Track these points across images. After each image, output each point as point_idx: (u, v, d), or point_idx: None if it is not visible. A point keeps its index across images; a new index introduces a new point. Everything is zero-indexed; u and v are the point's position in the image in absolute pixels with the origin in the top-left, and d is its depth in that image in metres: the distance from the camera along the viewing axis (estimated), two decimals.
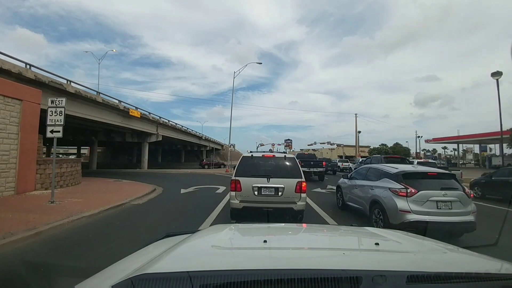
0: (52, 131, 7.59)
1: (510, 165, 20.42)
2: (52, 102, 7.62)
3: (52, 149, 8.47)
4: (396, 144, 67.84)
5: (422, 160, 23.08)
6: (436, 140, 51.01)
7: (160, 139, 32.67)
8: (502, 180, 10.45)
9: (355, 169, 11.90)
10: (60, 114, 7.57)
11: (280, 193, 5.76)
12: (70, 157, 39.15)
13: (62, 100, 7.63)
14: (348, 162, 33.31)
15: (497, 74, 18.01)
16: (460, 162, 50.15)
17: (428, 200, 5.02)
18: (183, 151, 58.57)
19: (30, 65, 13.86)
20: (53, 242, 4.86)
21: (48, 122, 7.58)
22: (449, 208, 4.99)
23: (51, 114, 7.57)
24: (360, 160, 27.96)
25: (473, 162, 58.22)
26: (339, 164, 31.56)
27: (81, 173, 13.99)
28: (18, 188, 9.37)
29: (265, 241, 1.47)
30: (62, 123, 7.60)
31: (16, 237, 4.67)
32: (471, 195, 5.56)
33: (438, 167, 14.16)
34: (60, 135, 7.64)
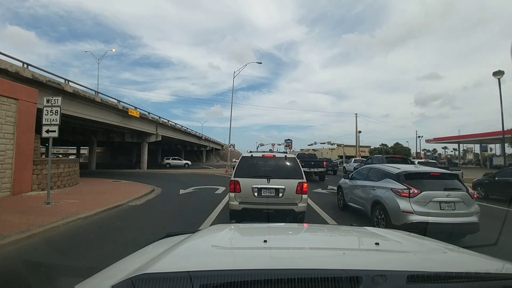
0: (47, 131, 7.47)
1: None
2: (47, 101, 7.49)
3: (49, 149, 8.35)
4: (397, 144, 67.79)
5: (422, 160, 23.03)
6: (437, 140, 50.84)
7: (160, 139, 32.55)
8: (506, 181, 10.33)
9: (354, 169, 11.80)
10: (56, 114, 7.44)
11: (280, 194, 5.63)
12: (69, 157, 39.04)
13: (58, 99, 7.51)
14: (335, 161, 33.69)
15: (498, 73, 17.87)
16: (461, 162, 50.01)
17: (431, 201, 4.94)
18: (183, 151, 58.43)
19: (28, 64, 13.72)
20: (46, 245, 4.74)
21: (44, 122, 7.45)
22: (452, 209, 4.91)
23: (46, 114, 7.45)
24: (354, 159, 28.35)
25: (473, 162, 58.04)
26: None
27: (79, 174, 13.88)
28: (14, 189, 9.25)
29: (265, 241, 1.46)
30: (58, 122, 7.48)
31: (9, 239, 4.56)
32: (475, 196, 5.45)
33: (439, 167, 14.07)
34: (55, 134, 7.52)
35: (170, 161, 39.68)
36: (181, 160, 41.68)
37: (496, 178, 10.87)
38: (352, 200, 7.27)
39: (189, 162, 41.74)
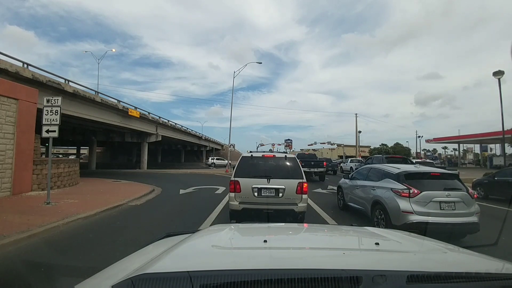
0: (47, 131, 7.47)
1: None
2: (47, 101, 7.50)
3: (49, 149, 8.36)
4: (397, 144, 67.78)
5: (420, 160, 23.14)
6: (437, 140, 50.88)
7: (160, 139, 32.55)
8: (505, 181, 10.33)
9: (351, 168, 11.79)
10: (56, 114, 7.44)
11: (280, 194, 5.64)
12: (69, 157, 39.04)
13: (58, 99, 7.51)
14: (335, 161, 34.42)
15: (498, 73, 17.90)
16: (465, 162, 50.02)
17: (431, 201, 4.94)
18: (183, 151, 58.49)
19: (28, 64, 13.73)
20: (46, 245, 4.74)
21: (44, 122, 7.45)
22: (453, 209, 4.91)
23: (46, 114, 7.45)
24: (351, 159, 29.93)
25: (473, 161, 58.04)
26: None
27: (79, 174, 13.87)
28: (14, 189, 9.25)
29: (265, 241, 1.46)
30: (58, 122, 7.48)
31: (9, 239, 4.56)
32: (475, 196, 5.45)
33: (437, 167, 14.08)
34: (55, 134, 7.52)
35: (215, 161, 41.31)
36: (224, 160, 42.95)
37: (496, 178, 10.87)
38: (352, 200, 7.27)
39: (231, 162, 42.61)
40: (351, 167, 25.44)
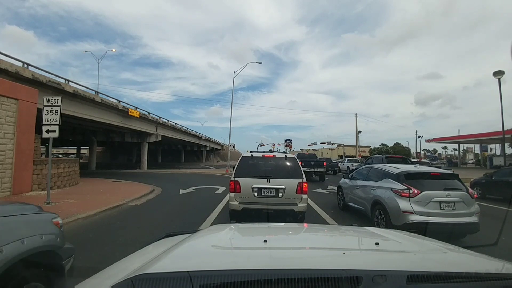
0: (47, 131, 7.47)
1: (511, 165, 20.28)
2: (47, 101, 7.50)
3: (49, 149, 8.36)
4: (397, 144, 67.91)
5: (416, 160, 23.36)
6: (437, 140, 50.82)
7: (160, 139, 32.56)
8: (503, 180, 10.35)
9: (347, 168, 11.77)
10: (56, 114, 7.45)
11: (280, 194, 5.63)
12: (69, 157, 39.03)
13: (58, 99, 7.51)
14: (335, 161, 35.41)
15: (498, 73, 17.92)
16: (469, 161, 50.05)
17: (431, 201, 4.94)
18: (183, 151, 58.53)
19: (28, 64, 13.73)
20: None
21: (44, 122, 7.46)
22: (453, 209, 4.91)
23: (47, 114, 7.46)
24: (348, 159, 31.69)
25: (473, 161, 58.06)
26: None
27: (79, 174, 13.89)
28: (14, 189, 9.25)
29: (265, 241, 1.46)
30: (58, 122, 7.48)
31: None
32: (475, 196, 5.45)
33: (436, 167, 14.05)
34: (55, 134, 7.52)
35: None
36: None
37: (493, 178, 10.88)
38: (352, 200, 7.27)
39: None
40: (347, 166, 26.54)
